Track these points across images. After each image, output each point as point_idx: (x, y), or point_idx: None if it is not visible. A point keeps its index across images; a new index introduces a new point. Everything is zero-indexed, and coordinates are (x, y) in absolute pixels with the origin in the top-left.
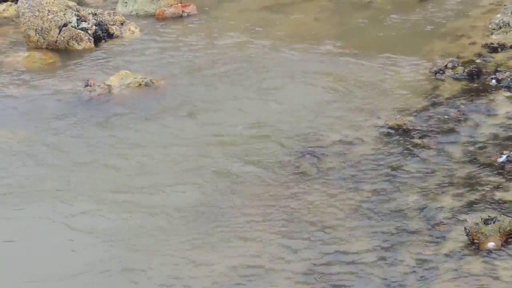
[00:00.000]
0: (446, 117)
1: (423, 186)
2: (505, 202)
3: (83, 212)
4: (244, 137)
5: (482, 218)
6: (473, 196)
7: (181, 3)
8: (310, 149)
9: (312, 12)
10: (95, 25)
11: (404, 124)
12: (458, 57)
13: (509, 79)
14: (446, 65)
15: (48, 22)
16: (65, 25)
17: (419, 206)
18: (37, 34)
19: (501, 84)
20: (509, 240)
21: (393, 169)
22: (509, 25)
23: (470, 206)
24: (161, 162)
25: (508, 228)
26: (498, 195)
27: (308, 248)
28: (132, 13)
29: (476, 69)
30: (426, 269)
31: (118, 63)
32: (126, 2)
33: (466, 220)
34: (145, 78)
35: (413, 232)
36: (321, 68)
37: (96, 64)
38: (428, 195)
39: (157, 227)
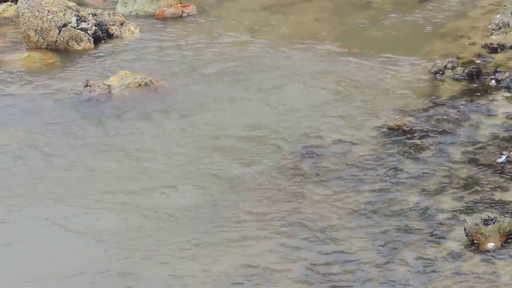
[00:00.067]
0: (445, 117)
1: (423, 186)
2: (504, 202)
3: (82, 213)
4: (244, 137)
5: (481, 219)
6: (473, 197)
7: (181, 3)
8: (310, 149)
9: (312, 12)
10: (95, 26)
11: (404, 124)
12: (457, 58)
13: (508, 79)
14: (446, 65)
15: (48, 22)
16: (64, 25)
17: (419, 207)
18: (36, 34)
19: (500, 85)
20: (509, 240)
21: (393, 169)
22: (508, 26)
23: (470, 206)
24: (161, 163)
25: (508, 229)
26: (498, 195)
27: (308, 248)
28: (132, 13)
29: (475, 70)
30: (426, 270)
31: (118, 63)
32: (126, 2)
33: (466, 221)
34: (145, 78)
35: (413, 232)
36: (321, 68)
37: (96, 65)
38: (428, 196)
39: (157, 227)
